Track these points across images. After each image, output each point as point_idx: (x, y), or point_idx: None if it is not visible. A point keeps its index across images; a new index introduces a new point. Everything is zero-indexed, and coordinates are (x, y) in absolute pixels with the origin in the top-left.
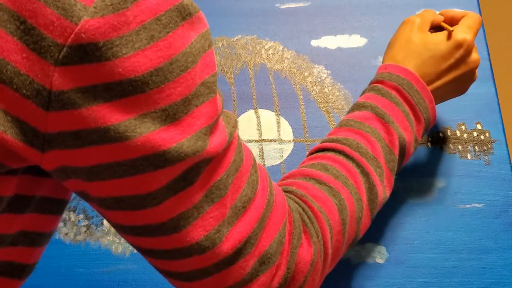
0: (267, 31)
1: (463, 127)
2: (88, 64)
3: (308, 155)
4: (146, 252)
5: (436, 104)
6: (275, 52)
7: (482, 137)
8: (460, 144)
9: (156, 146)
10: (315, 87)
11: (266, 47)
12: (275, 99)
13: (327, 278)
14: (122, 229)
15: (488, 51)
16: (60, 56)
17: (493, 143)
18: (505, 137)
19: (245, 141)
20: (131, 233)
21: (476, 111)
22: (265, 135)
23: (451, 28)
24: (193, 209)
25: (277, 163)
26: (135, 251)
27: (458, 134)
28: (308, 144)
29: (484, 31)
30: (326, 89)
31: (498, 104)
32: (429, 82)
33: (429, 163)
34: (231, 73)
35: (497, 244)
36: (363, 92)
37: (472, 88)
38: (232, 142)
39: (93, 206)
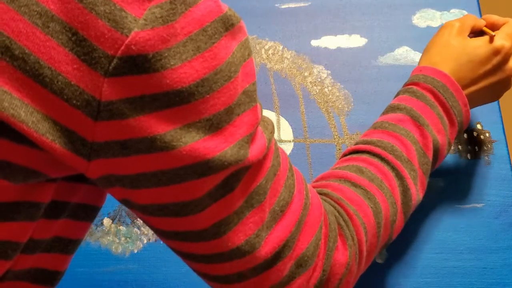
0: (267, 31)
1: None
2: (137, 75)
3: (341, 157)
4: (186, 256)
5: (470, 108)
6: (275, 52)
7: (482, 137)
8: (460, 144)
9: (201, 156)
10: (315, 87)
11: (266, 47)
12: (275, 99)
13: None
14: (164, 234)
15: None
16: (110, 68)
17: (493, 143)
18: (505, 137)
19: None
20: (173, 238)
21: (476, 111)
22: None
23: (493, 33)
24: (233, 215)
25: None
26: (135, 251)
27: None
28: (308, 144)
29: None
30: (326, 89)
31: (498, 104)
32: (465, 86)
33: None
34: None
35: (497, 244)
36: (397, 94)
37: None
38: (270, 147)
39: (135, 212)
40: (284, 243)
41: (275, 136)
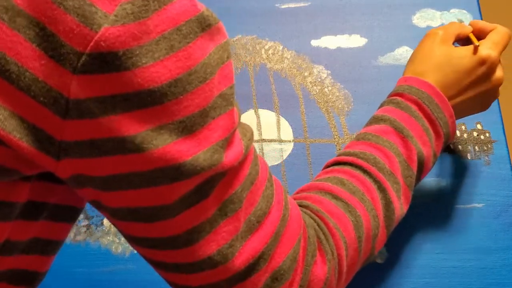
0: (267, 31)
1: (463, 127)
2: (107, 74)
3: (324, 168)
4: (157, 264)
5: (457, 119)
6: (275, 52)
7: (482, 137)
8: (460, 144)
9: (173, 159)
10: (315, 87)
11: (266, 47)
12: (275, 99)
13: None
14: (135, 241)
15: None
16: (79, 64)
17: (493, 143)
18: (505, 137)
19: None
20: (143, 245)
21: None
22: (265, 135)
23: (477, 43)
24: (206, 223)
25: (277, 163)
26: (135, 251)
27: (458, 134)
28: (308, 144)
29: None
30: (326, 89)
31: (498, 104)
32: (450, 97)
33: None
34: None
35: (497, 244)
36: (381, 105)
37: None
38: (248, 155)
39: (106, 215)
40: (259, 255)
41: (275, 136)
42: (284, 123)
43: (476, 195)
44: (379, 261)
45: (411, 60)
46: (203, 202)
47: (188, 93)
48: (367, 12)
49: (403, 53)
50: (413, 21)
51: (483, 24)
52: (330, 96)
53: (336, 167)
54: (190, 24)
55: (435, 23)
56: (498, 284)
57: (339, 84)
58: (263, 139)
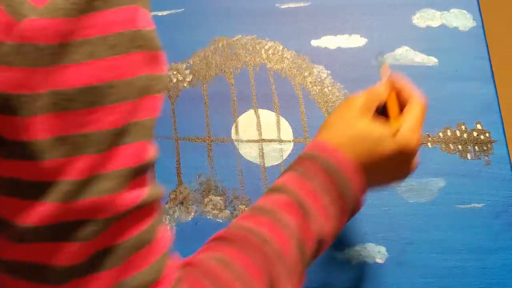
0: (267, 31)
1: (463, 127)
2: (23, 67)
3: (211, 239)
4: None
5: (367, 191)
6: (275, 52)
7: (482, 137)
8: (460, 144)
9: (67, 175)
10: (315, 87)
11: (266, 47)
12: (275, 99)
13: (327, 278)
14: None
15: (488, 51)
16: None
17: (493, 143)
18: (505, 137)
19: (245, 141)
20: None
21: (476, 111)
22: (265, 135)
23: (395, 125)
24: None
25: (277, 163)
26: None
27: (458, 134)
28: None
29: (484, 31)
30: (326, 89)
31: (498, 104)
32: (363, 173)
33: (429, 163)
34: (231, 73)
35: (497, 244)
36: (288, 168)
37: (472, 88)
38: (146, 209)
39: None
40: None
41: (275, 136)
42: (284, 123)
43: (476, 195)
44: (379, 261)
45: (328, 125)
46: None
47: (101, 107)
48: (367, 12)
49: (403, 53)
50: (413, 21)
51: (399, 86)
52: (330, 96)
53: (221, 243)
54: (121, 37)
55: (435, 23)
56: (498, 284)
57: (339, 84)
58: (263, 139)
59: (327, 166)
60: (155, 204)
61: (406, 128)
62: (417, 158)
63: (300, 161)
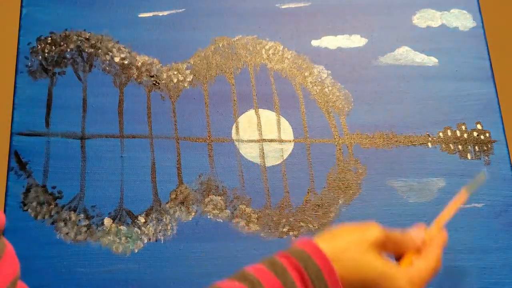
0: (267, 31)
1: (463, 127)
2: None
3: None
4: None
5: None
6: (276, 52)
7: (482, 137)
8: (460, 144)
9: None
10: (315, 87)
11: (267, 47)
12: (275, 99)
13: None
14: None
15: (488, 51)
16: None
17: (493, 143)
18: (505, 137)
19: (245, 141)
20: None
21: (476, 111)
22: (265, 135)
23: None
24: None
25: (277, 163)
26: (136, 251)
27: (458, 134)
28: (308, 144)
29: (484, 31)
30: (326, 89)
31: (498, 104)
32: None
33: (429, 163)
34: (231, 73)
35: (497, 244)
36: (271, 265)
37: (472, 88)
38: None
39: None
40: None
41: (276, 136)
42: (285, 123)
43: (476, 195)
44: None
45: (335, 238)
46: None
47: None
48: (367, 12)
49: (403, 53)
50: (413, 21)
51: (400, 239)
52: (331, 96)
53: None
54: None
55: (435, 23)
56: (498, 284)
57: (339, 84)
58: (264, 139)
59: (314, 274)
60: None
61: (405, 278)
62: None
63: (282, 255)
